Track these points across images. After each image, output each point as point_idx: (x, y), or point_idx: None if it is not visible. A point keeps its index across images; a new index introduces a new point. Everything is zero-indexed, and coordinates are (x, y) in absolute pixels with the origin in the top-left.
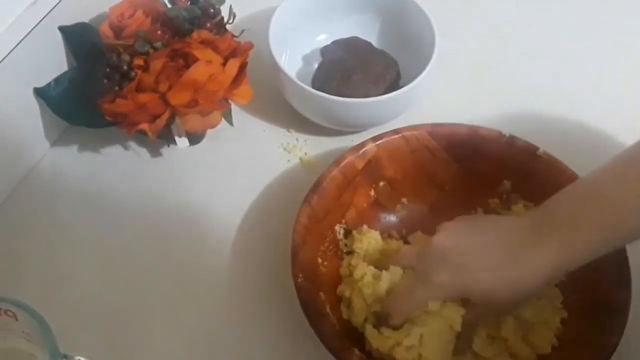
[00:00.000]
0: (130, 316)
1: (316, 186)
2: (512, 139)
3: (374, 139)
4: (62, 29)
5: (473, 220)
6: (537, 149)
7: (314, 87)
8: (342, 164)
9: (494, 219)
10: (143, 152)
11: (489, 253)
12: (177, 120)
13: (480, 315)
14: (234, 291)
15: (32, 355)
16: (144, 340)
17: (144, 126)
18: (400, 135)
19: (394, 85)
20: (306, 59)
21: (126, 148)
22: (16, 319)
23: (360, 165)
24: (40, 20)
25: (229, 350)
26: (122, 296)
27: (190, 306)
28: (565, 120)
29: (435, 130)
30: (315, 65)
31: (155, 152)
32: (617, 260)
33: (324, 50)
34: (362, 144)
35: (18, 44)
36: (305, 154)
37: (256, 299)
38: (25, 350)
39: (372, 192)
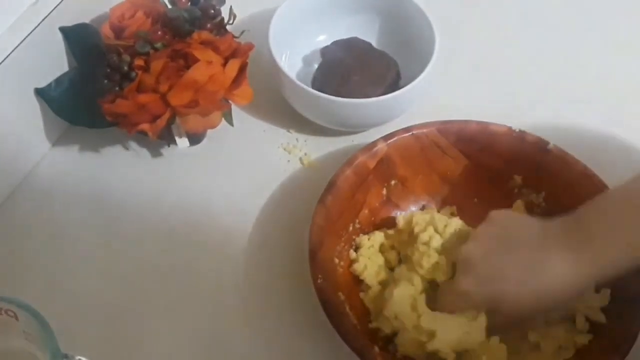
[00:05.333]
0: (131, 316)
1: (330, 186)
2: (523, 133)
3: (385, 138)
4: (62, 29)
5: (504, 226)
6: (547, 143)
7: (313, 87)
8: (355, 164)
9: (525, 224)
10: (143, 152)
11: (517, 264)
12: (178, 120)
13: (503, 324)
14: (235, 291)
15: (32, 355)
16: (145, 341)
17: (145, 126)
18: (411, 133)
19: (394, 85)
20: (306, 60)
21: (126, 148)
22: (17, 319)
23: (372, 164)
24: (41, 21)
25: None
26: (122, 296)
27: (190, 307)
28: (565, 118)
29: (444, 127)
30: (315, 66)
31: (155, 152)
32: None
33: (324, 51)
34: (374, 144)
35: (19, 44)
36: (305, 154)
37: (259, 298)
38: (25, 350)
39: (384, 191)
